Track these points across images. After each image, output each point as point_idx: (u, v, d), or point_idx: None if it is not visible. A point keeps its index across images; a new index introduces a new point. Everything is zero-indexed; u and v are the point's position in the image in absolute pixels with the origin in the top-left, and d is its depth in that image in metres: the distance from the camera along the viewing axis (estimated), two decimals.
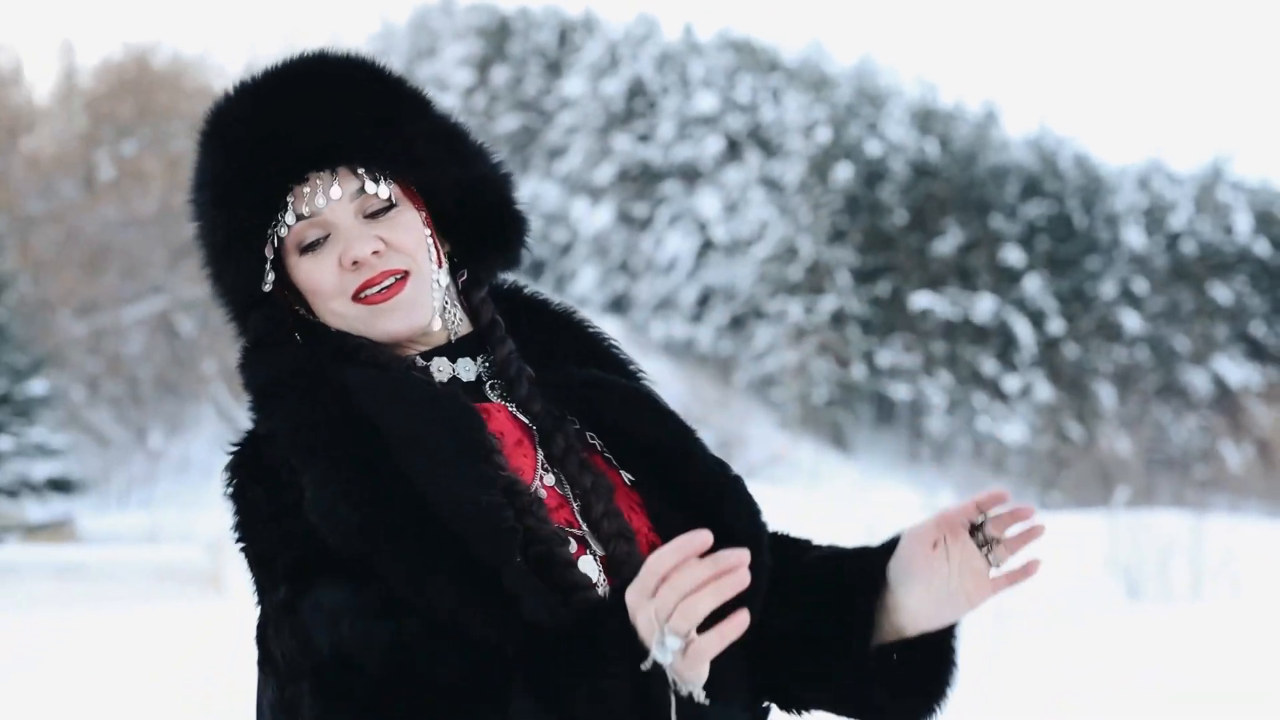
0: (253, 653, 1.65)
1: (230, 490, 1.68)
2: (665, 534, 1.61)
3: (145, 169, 38.45)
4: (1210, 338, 53.26)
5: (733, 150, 54.30)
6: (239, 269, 1.68)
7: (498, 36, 60.38)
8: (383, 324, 1.66)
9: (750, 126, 54.63)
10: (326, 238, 1.66)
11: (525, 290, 1.85)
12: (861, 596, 1.68)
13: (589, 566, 1.60)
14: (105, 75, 41.46)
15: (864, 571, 1.70)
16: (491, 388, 1.72)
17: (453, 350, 1.72)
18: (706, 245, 53.09)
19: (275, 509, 1.61)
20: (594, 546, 1.62)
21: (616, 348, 1.83)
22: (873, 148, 52.68)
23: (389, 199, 1.68)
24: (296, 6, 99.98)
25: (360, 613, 1.52)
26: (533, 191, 57.19)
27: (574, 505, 1.64)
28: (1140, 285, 52.64)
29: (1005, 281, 51.70)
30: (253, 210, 1.65)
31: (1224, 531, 19.48)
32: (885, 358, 50.31)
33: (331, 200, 1.64)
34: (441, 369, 1.71)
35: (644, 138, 56.08)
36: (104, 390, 36.07)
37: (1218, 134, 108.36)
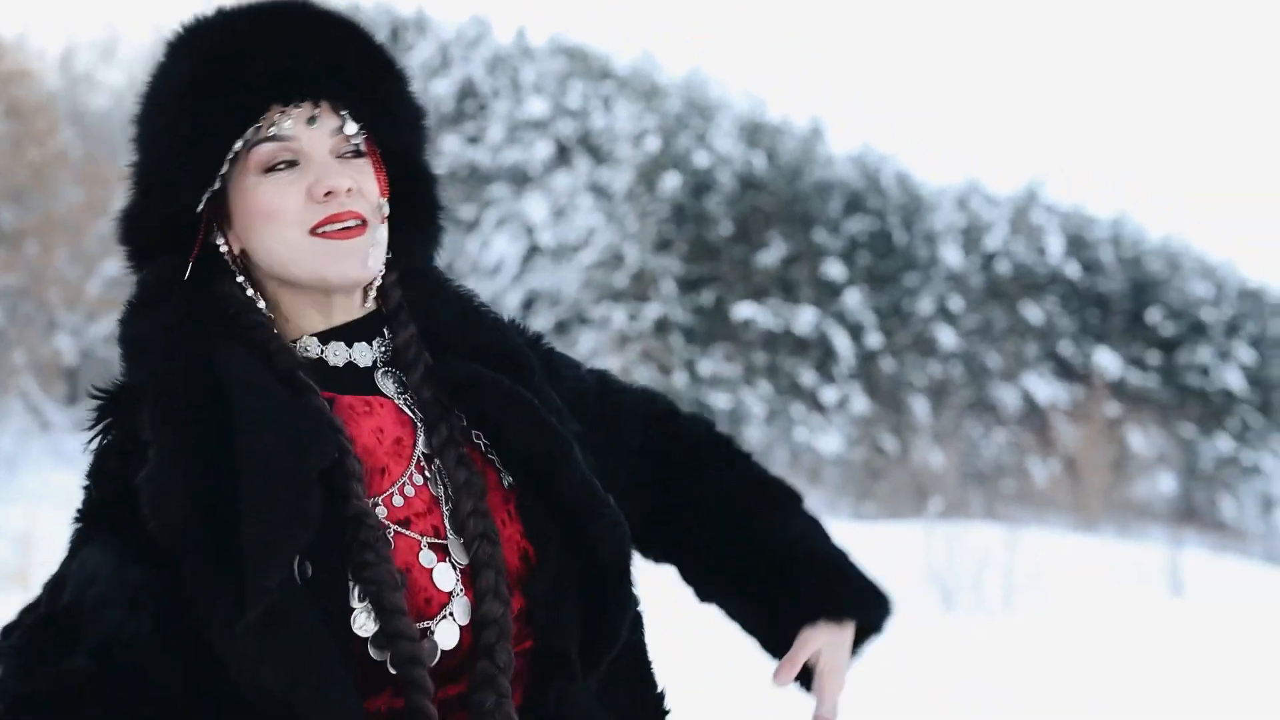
0: None
1: (94, 429, 1.59)
2: (538, 543, 1.61)
3: None
4: (1021, 356, 54.66)
5: (562, 156, 54.28)
6: (185, 174, 1.60)
7: None
8: (335, 265, 1.60)
9: (580, 133, 54.68)
10: (294, 165, 1.61)
11: (433, 272, 1.79)
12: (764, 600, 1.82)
13: (445, 576, 1.56)
14: None
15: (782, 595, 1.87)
16: (385, 374, 1.67)
17: (351, 332, 1.67)
18: (533, 249, 52.99)
19: (121, 455, 1.55)
20: (455, 555, 1.58)
21: (517, 346, 1.77)
22: (700, 159, 53.07)
23: (359, 148, 1.65)
24: None
25: (111, 586, 1.47)
26: None
27: (444, 509, 1.60)
28: (956, 303, 53.80)
29: (826, 295, 52.46)
30: (229, 114, 1.58)
31: (1034, 545, 20.02)
32: (707, 366, 50.68)
33: (310, 130, 1.60)
34: (338, 353, 1.66)
35: (473, 139, 55.79)
36: None
37: (1033, 158, 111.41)
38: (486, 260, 53.62)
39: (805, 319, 51.18)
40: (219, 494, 1.47)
